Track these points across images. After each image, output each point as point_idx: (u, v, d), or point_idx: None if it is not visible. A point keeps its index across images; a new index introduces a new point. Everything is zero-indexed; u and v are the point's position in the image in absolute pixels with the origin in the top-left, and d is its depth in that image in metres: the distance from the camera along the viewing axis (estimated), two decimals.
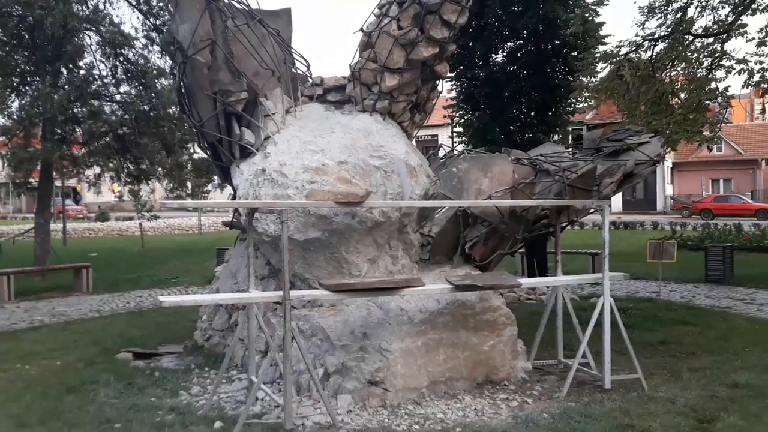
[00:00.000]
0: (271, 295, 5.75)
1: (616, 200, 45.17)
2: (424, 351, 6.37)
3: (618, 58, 13.93)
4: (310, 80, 8.51)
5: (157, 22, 16.50)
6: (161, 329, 9.93)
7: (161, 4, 15.94)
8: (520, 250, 13.14)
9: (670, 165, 49.16)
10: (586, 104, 18.96)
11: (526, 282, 7.22)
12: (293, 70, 8.31)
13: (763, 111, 15.06)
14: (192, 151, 18.37)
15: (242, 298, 5.87)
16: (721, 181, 49.61)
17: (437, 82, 8.15)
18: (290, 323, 5.37)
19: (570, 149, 11.05)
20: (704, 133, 13.70)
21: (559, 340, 7.40)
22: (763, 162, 48.59)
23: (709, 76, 13.16)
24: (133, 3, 16.63)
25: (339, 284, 5.71)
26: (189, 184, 19.96)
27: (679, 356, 7.83)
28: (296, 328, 6.42)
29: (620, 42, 14.28)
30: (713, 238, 20.69)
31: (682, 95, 13.87)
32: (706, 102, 13.19)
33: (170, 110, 15.91)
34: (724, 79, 13.28)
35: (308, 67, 8.49)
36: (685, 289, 13.21)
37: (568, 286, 9.99)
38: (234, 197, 7.70)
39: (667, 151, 15.28)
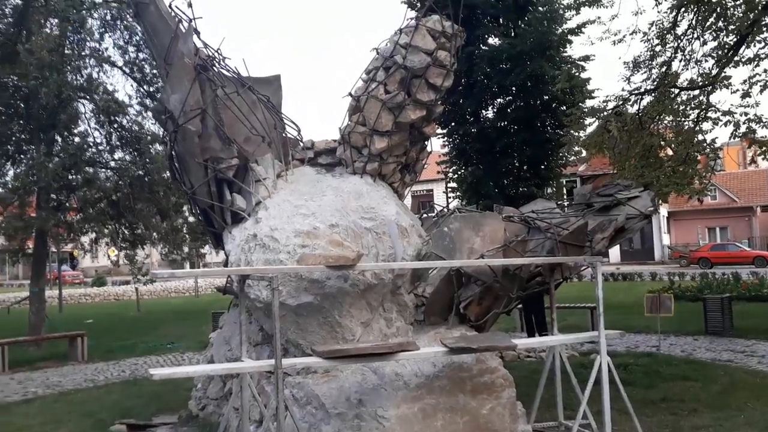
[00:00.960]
0: (262, 365, 5.67)
1: (614, 251, 45.17)
2: (421, 417, 6.25)
3: (605, 113, 14.11)
4: (301, 144, 8.59)
5: (151, 89, 16.74)
6: (156, 399, 9.76)
7: (154, 72, 16.19)
8: (518, 306, 13.04)
9: (666, 214, 49.34)
10: (576, 157, 19.17)
11: (522, 343, 7.14)
12: (284, 135, 8.39)
13: (752, 161, 15.21)
14: (187, 214, 18.40)
15: (233, 368, 5.79)
16: (718, 230, 49.73)
17: (426, 142, 8.21)
18: (283, 393, 5.28)
19: (562, 204, 11.11)
20: (694, 185, 13.79)
21: (559, 401, 7.27)
22: (758, 209, 48.79)
23: (696, 128, 13.33)
24: (127, 71, 16.91)
25: (332, 351, 5.64)
26: (185, 248, 19.92)
27: (681, 414, 7.70)
28: (290, 396, 6.33)
29: (607, 96, 14.51)
30: (711, 288, 20.60)
31: (671, 147, 14.03)
32: (695, 154, 13.32)
33: (165, 175, 15.99)
34: (711, 131, 13.47)
35: (299, 131, 8.59)
36: (685, 342, 13.09)
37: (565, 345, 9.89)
38: (226, 263, 7.68)
39: (658, 203, 15.37)
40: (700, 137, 13.40)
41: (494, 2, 19.34)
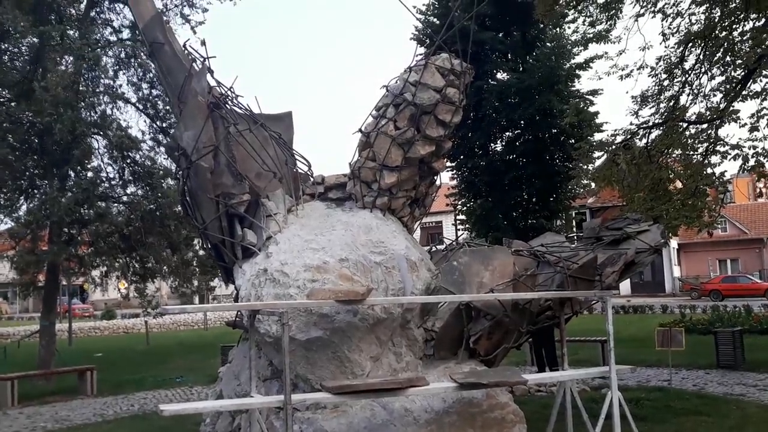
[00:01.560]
0: (271, 400, 5.68)
1: (625, 283, 44.86)
2: None
3: (614, 146, 14.19)
4: (312, 179, 8.68)
5: (164, 125, 16.98)
6: None
7: (167, 108, 16.43)
8: (528, 341, 12.99)
9: (676, 246, 49.11)
10: (585, 190, 19.22)
11: (532, 378, 7.12)
12: (295, 170, 8.48)
13: (760, 194, 15.21)
14: (197, 248, 18.51)
15: (243, 404, 5.80)
16: (728, 261, 49.44)
17: (435, 177, 8.28)
18: (292, 429, 5.28)
19: (572, 237, 11.14)
20: (704, 217, 13.78)
21: None
22: None
23: (705, 161, 13.38)
24: (140, 107, 17.17)
25: (341, 386, 5.65)
26: (195, 281, 19.99)
27: None
28: None
29: (615, 130, 14.62)
30: (723, 320, 20.44)
31: (680, 180, 14.07)
32: (704, 187, 13.35)
33: (176, 209, 16.14)
34: (719, 164, 13.53)
35: (309, 166, 8.67)
36: (697, 376, 12.97)
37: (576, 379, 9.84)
38: (237, 297, 7.72)
39: (668, 236, 15.37)
40: (709, 170, 13.45)
41: (502, 38, 19.63)
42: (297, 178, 8.38)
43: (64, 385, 14.95)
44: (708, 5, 13.51)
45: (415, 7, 20.36)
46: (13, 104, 15.88)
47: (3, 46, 15.90)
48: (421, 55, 7.61)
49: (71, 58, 16.10)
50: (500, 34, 19.63)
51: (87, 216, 15.99)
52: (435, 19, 20.12)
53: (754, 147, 12.92)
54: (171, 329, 35.41)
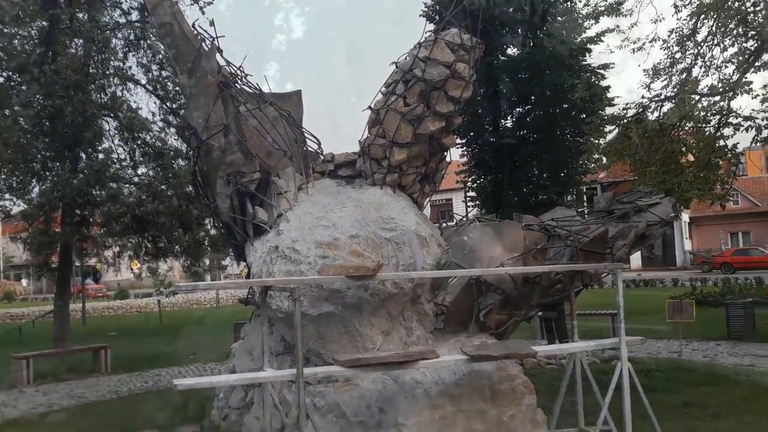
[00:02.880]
0: (284, 374, 5.76)
1: (636, 257, 44.72)
2: (441, 425, 6.30)
3: (625, 120, 14.09)
4: (322, 157, 8.70)
5: (174, 106, 16.98)
6: (179, 409, 9.86)
7: (177, 89, 16.43)
8: (539, 314, 13.02)
9: (688, 220, 48.86)
10: (596, 165, 19.09)
11: (542, 350, 7.17)
12: (305, 148, 8.50)
13: None
14: (209, 227, 18.60)
15: (256, 377, 5.88)
16: (740, 234, 49.17)
17: (445, 153, 8.28)
18: (304, 402, 5.36)
19: (582, 212, 11.13)
20: (716, 190, 13.71)
21: (580, 408, 7.27)
22: None
23: (717, 134, 13.28)
24: (150, 89, 17.17)
25: (352, 359, 5.72)
26: (206, 260, 20.11)
27: (703, 419, 7.69)
28: (312, 405, 6.40)
29: (627, 104, 14.49)
30: (734, 293, 20.41)
31: (693, 153, 13.97)
32: (716, 160, 13.26)
33: (187, 189, 16.21)
34: (732, 136, 13.40)
35: (319, 144, 8.68)
36: (707, 348, 13.01)
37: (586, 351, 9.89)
38: (248, 274, 7.79)
39: (680, 210, 15.31)
40: (722, 143, 13.35)
41: (513, 13, 19.40)
42: (307, 156, 8.40)
43: (78, 363, 15.15)
44: None
45: None
46: (24, 87, 15.93)
47: (13, 30, 15.92)
48: (430, 31, 7.58)
49: (81, 41, 16.12)
50: (510, 9, 19.42)
51: (99, 197, 16.07)
52: None
53: None
54: (184, 308, 35.69)
